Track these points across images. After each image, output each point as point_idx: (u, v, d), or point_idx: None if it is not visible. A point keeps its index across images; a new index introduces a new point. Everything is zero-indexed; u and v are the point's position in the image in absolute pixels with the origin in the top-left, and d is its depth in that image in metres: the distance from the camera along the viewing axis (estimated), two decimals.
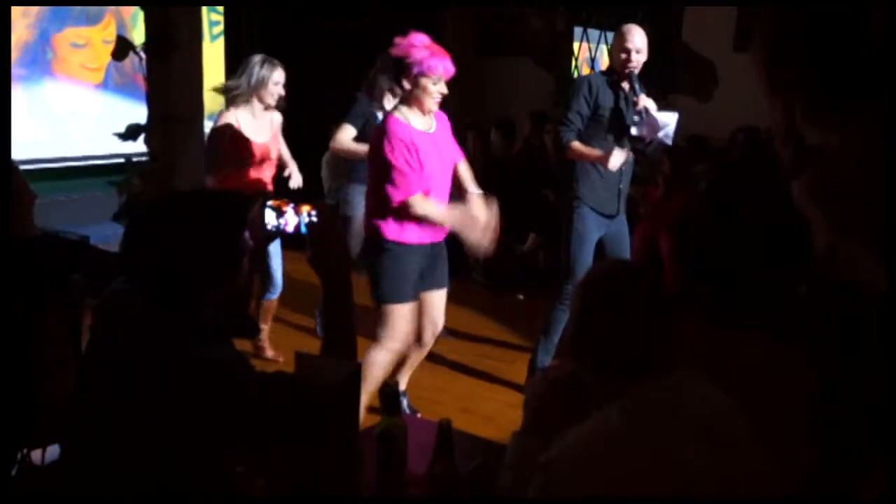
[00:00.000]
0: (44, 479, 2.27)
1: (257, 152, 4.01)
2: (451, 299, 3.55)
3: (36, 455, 2.42)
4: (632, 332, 1.40)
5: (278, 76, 3.96)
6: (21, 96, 5.98)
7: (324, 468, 1.55)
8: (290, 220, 1.78)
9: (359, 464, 1.68)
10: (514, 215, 6.28)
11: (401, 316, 3.25)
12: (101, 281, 1.78)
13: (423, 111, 3.23)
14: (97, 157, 6.48)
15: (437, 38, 3.35)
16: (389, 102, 4.30)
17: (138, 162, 3.24)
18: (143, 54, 3.15)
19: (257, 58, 3.97)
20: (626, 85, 3.81)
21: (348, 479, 1.64)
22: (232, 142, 3.93)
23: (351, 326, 1.79)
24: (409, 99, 3.22)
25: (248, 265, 1.67)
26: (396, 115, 3.21)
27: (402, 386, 3.61)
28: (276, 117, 4.13)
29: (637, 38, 3.76)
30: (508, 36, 7.64)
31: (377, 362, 3.26)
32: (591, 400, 1.47)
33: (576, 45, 7.64)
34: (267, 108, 4.02)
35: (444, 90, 3.22)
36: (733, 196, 5.24)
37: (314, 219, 1.76)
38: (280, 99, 4.02)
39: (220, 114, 4.00)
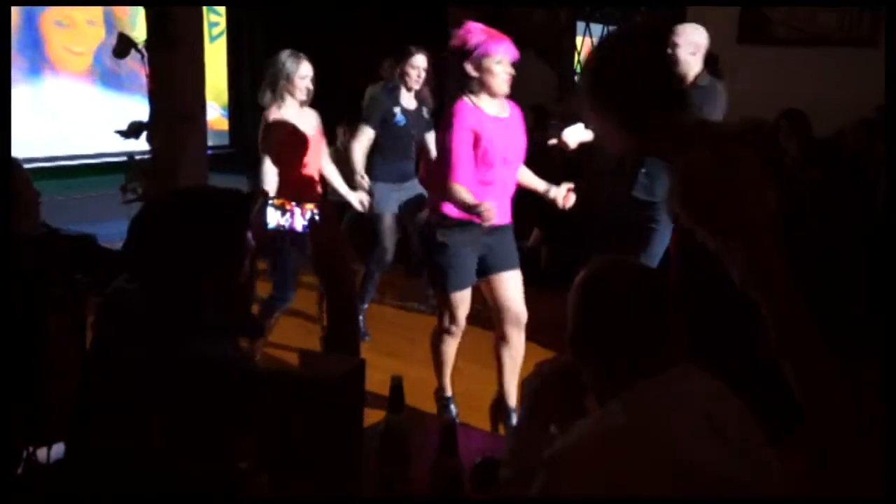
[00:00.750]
0: (49, 477, 2.28)
1: (308, 144, 3.95)
2: None
3: (41, 453, 2.43)
4: (635, 332, 1.40)
5: (304, 70, 3.92)
6: (18, 94, 5.99)
7: (328, 465, 1.55)
8: (296, 219, 1.77)
9: (363, 460, 1.68)
10: (516, 210, 6.30)
11: (461, 301, 3.41)
12: (104, 279, 1.78)
13: (491, 94, 3.27)
14: (96, 154, 6.49)
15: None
16: (403, 91, 4.42)
17: (141, 160, 3.24)
18: (144, 51, 3.15)
19: (284, 53, 3.95)
20: None
21: (352, 476, 1.64)
22: (284, 134, 3.88)
23: (353, 324, 1.79)
24: (477, 85, 3.26)
25: (251, 265, 1.67)
26: (465, 98, 3.26)
27: (513, 400, 3.37)
28: (316, 116, 4.08)
29: (674, 35, 3.81)
30: (510, 29, 7.62)
31: (446, 351, 3.50)
32: (589, 394, 1.47)
33: (578, 40, 7.63)
34: (302, 104, 3.99)
35: (511, 70, 3.26)
36: None
37: (317, 218, 1.76)
38: (310, 93, 3.99)
39: (265, 112, 3.94)
